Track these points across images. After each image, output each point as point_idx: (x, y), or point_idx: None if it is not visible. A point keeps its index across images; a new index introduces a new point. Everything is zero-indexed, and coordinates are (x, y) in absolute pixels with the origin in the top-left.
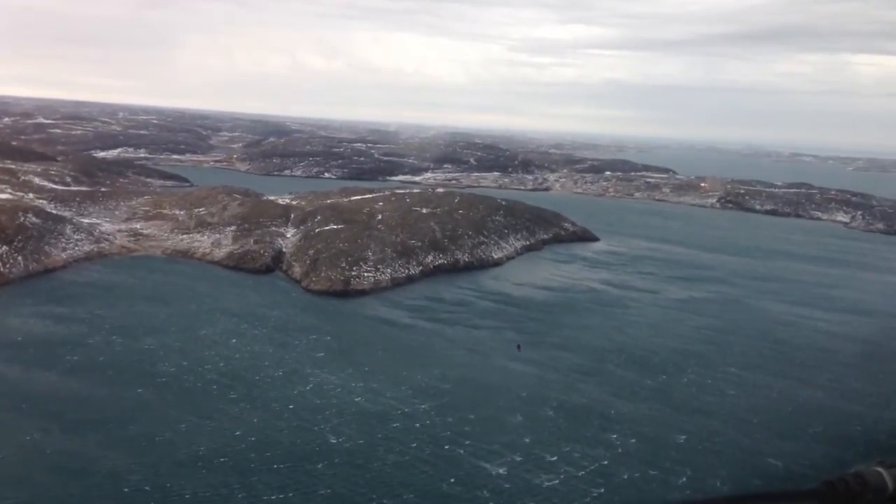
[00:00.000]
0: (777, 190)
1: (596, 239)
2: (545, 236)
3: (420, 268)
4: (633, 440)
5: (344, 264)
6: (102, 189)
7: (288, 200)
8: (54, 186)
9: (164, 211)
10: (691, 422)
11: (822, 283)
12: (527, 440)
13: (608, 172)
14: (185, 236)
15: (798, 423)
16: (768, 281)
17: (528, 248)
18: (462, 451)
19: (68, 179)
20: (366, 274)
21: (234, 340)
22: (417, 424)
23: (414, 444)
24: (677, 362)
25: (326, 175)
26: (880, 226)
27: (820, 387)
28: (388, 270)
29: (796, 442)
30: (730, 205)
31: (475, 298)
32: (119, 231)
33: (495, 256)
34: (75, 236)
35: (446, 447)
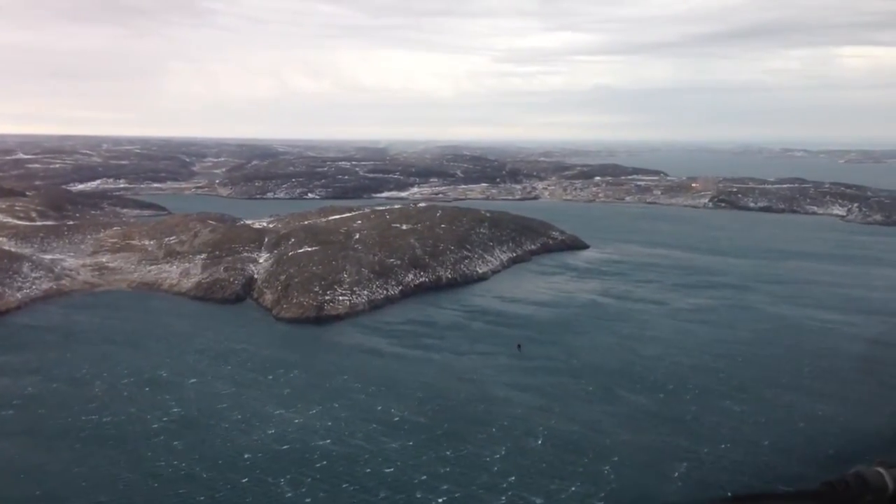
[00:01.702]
0: (770, 186)
1: (586, 246)
2: (533, 247)
3: (399, 288)
4: (630, 473)
5: (317, 288)
6: (69, 223)
7: (265, 224)
8: (17, 222)
9: (133, 242)
10: (695, 447)
11: (834, 283)
12: (511, 479)
13: (598, 178)
14: (152, 267)
15: (811, 444)
16: (778, 283)
17: (514, 260)
18: (437, 501)
19: (34, 214)
20: (340, 298)
21: (192, 381)
22: (388, 469)
23: (382, 494)
24: (679, 379)
25: (310, 195)
26: (878, 217)
27: (837, 399)
28: (365, 292)
29: (808, 466)
30: (722, 204)
31: (458, 318)
32: (83, 266)
33: (480, 271)
34: (33, 274)
35: (418, 495)
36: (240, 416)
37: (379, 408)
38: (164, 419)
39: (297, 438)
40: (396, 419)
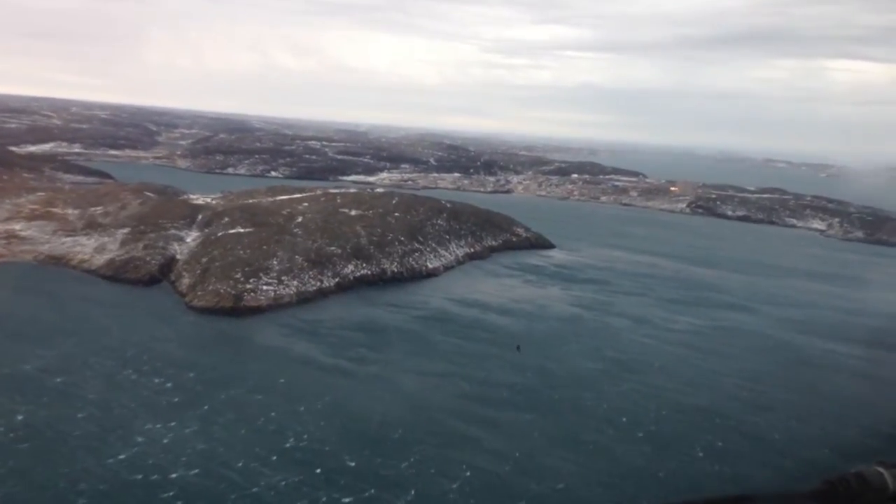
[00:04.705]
0: (750, 195)
1: (552, 246)
2: (493, 243)
3: (336, 279)
4: None
5: (239, 275)
6: None
7: (208, 200)
8: None
9: (55, 210)
10: (640, 495)
11: (827, 306)
12: None
13: (575, 175)
14: (67, 239)
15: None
16: (762, 303)
17: (471, 257)
18: None
19: None
20: (265, 287)
21: (58, 380)
22: None
23: None
24: (635, 409)
25: (273, 174)
26: (859, 234)
27: (815, 446)
28: (295, 283)
29: None
30: (700, 210)
31: (396, 320)
32: None
33: (430, 266)
34: None
35: None
36: (97, 430)
37: (272, 428)
38: (1, 429)
39: (156, 465)
40: (289, 445)
